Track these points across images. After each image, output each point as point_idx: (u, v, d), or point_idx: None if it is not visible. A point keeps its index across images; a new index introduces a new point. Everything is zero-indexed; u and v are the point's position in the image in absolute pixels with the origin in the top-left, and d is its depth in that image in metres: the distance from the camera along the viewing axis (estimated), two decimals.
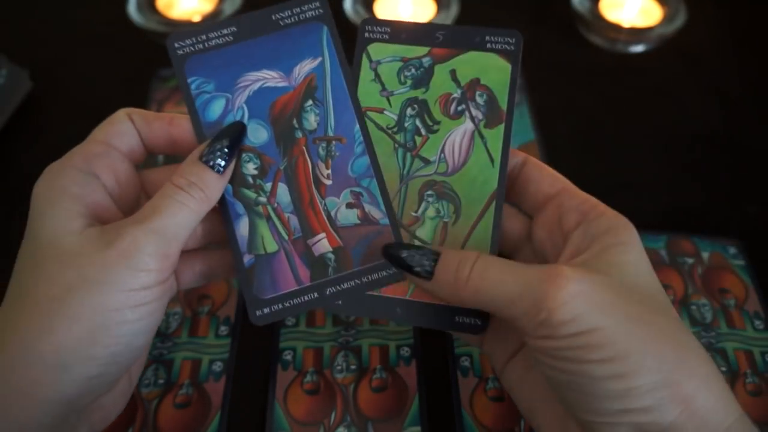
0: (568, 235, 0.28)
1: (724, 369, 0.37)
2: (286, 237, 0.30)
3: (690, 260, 0.42)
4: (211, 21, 0.54)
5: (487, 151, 0.30)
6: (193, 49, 0.30)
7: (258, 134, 0.30)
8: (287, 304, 0.29)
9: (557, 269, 0.24)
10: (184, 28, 0.53)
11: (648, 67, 0.55)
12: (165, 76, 0.53)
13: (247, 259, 0.30)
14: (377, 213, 0.30)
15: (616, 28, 0.55)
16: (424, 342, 0.38)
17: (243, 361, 0.37)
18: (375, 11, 0.56)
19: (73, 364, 0.24)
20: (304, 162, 0.30)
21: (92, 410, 0.27)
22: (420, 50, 0.31)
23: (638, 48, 0.56)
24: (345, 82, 0.30)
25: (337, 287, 0.30)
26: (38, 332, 0.24)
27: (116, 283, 0.25)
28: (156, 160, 0.47)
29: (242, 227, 0.30)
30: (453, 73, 0.31)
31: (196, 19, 0.54)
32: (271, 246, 0.30)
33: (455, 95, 0.31)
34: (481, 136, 0.31)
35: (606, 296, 0.24)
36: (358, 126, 0.30)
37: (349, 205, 0.30)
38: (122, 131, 0.29)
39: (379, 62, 0.31)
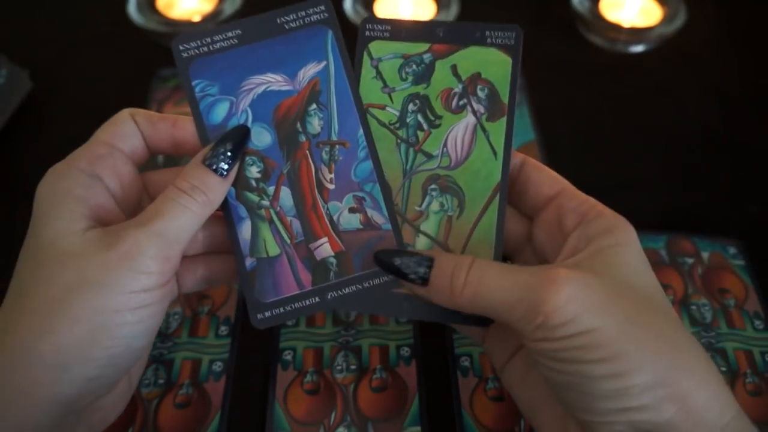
0: (567, 237, 0.28)
1: (724, 369, 0.37)
2: (289, 241, 0.30)
3: (690, 260, 0.42)
4: (216, 23, 0.54)
5: (490, 144, 0.30)
6: (197, 51, 0.30)
7: (261, 137, 0.30)
8: (288, 308, 0.29)
9: (552, 272, 0.25)
10: (184, 28, 0.54)
11: (648, 67, 0.55)
12: (165, 76, 0.53)
13: (249, 262, 0.30)
14: (380, 218, 0.30)
15: (616, 28, 0.55)
16: (424, 342, 0.38)
17: (243, 361, 0.37)
18: (375, 11, 0.56)
19: (72, 365, 0.24)
20: (308, 166, 0.30)
21: (91, 411, 0.27)
22: (420, 47, 0.31)
23: (638, 48, 0.56)
24: (349, 86, 0.30)
25: (339, 292, 0.30)
26: (38, 332, 0.24)
27: (117, 284, 0.25)
28: (156, 160, 0.47)
29: (245, 230, 0.30)
30: (454, 68, 0.31)
31: (196, 19, 0.54)
32: (273, 249, 0.30)
33: (456, 90, 0.31)
34: (484, 130, 0.31)
35: (601, 297, 0.24)
36: (361, 130, 0.30)
37: (351, 210, 0.30)
38: (125, 132, 0.29)
39: (380, 60, 0.31)
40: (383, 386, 0.36)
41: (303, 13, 0.30)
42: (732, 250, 0.43)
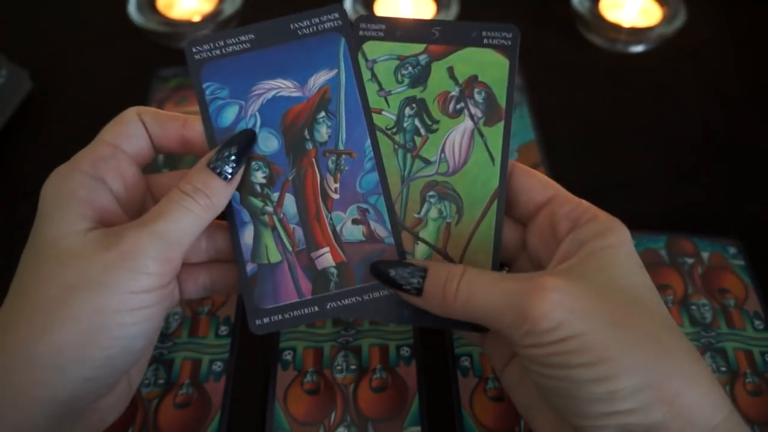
0: (560, 242, 0.28)
1: (724, 369, 0.37)
2: (290, 248, 0.30)
3: (690, 260, 0.42)
4: (216, 24, 0.54)
5: (488, 149, 0.30)
6: (210, 54, 0.30)
7: (269, 143, 0.30)
8: (287, 316, 0.29)
9: (539, 280, 0.25)
10: (184, 28, 0.54)
11: (648, 67, 0.55)
12: (165, 76, 0.53)
13: (249, 267, 0.30)
14: (382, 231, 0.30)
15: (616, 28, 0.55)
16: (424, 342, 0.38)
17: (243, 361, 0.37)
18: (375, 11, 0.56)
19: (68, 365, 0.24)
20: (313, 174, 0.30)
21: (89, 413, 0.27)
22: (416, 47, 0.31)
23: (638, 48, 0.56)
24: (359, 96, 0.30)
25: (338, 302, 0.30)
26: (37, 332, 0.24)
27: (116, 285, 0.25)
28: (156, 159, 0.47)
29: (247, 235, 0.30)
30: (450, 70, 0.31)
31: (196, 19, 0.54)
32: (275, 256, 0.30)
33: (453, 93, 0.31)
34: (481, 135, 0.30)
35: (588, 302, 0.24)
36: (369, 141, 0.30)
37: (355, 221, 0.30)
38: (131, 133, 0.28)
39: (375, 61, 0.31)
40: (383, 386, 0.36)
41: (317, 20, 0.30)
42: (732, 250, 0.43)
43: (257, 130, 0.30)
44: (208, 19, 0.54)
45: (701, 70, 0.55)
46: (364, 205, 0.30)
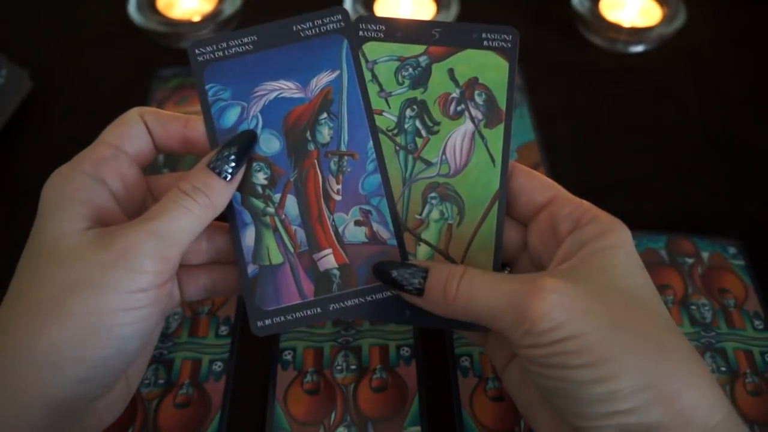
0: (561, 243, 0.28)
1: (724, 369, 0.37)
2: (292, 250, 0.30)
3: (690, 260, 0.42)
4: (216, 24, 0.54)
5: (488, 151, 0.30)
6: (213, 56, 0.30)
7: (270, 144, 0.30)
8: (289, 317, 0.29)
9: (539, 280, 0.25)
10: (184, 28, 0.54)
11: (648, 67, 0.55)
12: (165, 76, 0.53)
13: (251, 269, 0.30)
14: (385, 233, 0.30)
15: (616, 28, 0.55)
16: (424, 342, 0.38)
17: (243, 361, 0.37)
18: (375, 12, 0.56)
19: (65, 365, 0.24)
20: (315, 175, 0.30)
21: (87, 414, 0.27)
22: (416, 49, 0.31)
23: (638, 48, 0.56)
24: (361, 98, 0.30)
25: (341, 304, 0.30)
26: (32, 332, 0.24)
27: (112, 284, 0.25)
28: (156, 161, 0.47)
29: (248, 237, 0.30)
30: (451, 72, 0.31)
31: (196, 19, 0.54)
32: (277, 258, 0.30)
33: (454, 95, 0.31)
34: (482, 137, 0.30)
35: (587, 303, 0.25)
36: (371, 143, 0.30)
37: (357, 223, 0.30)
38: (132, 134, 0.29)
39: (375, 62, 0.31)
40: (383, 386, 0.36)
41: (319, 22, 0.30)
42: (732, 250, 0.43)
43: (259, 131, 0.30)
44: (208, 19, 0.54)
45: (701, 70, 0.55)
46: (367, 207, 0.30)
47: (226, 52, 0.30)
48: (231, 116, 0.30)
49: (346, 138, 0.30)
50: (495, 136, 0.30)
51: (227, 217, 0.30)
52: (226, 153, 0.28)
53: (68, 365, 0.24)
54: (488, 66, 0.31)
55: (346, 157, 0.30)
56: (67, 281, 0.24)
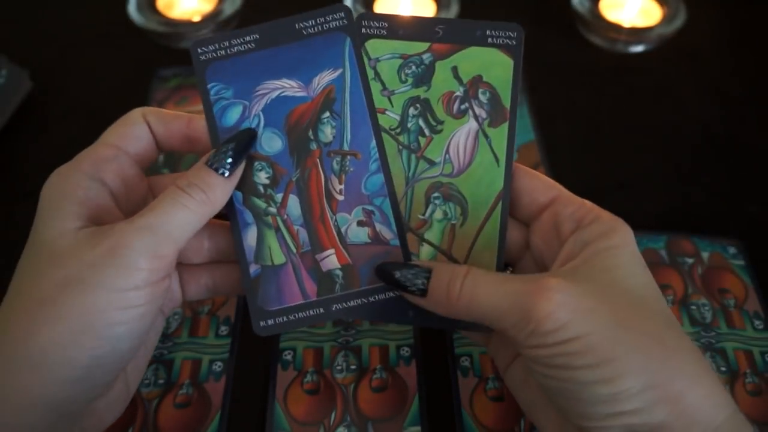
0: (564, 243, 0.28)
1: (723, 369, 0.37)
2: (295, 250, 0.30)
3: (690, 260, 0.42)
4: (216, 24, 0.54)
5: (492, 150, 0.30)
6: (215, 55, 0.30)
7: (272, 143, 0.30)
8: (292, 317, 0.29)
9: (543, 280, 0.25)
10: (184, 28, 0.54)
11: (648, 67, 0.55)
12: (165, 76, 0.53)
13: (253, 269, 0.29)
14: (388, 233, 0.30)
15: (616, 28, 0.55)
16: (424, 342, 0.38)
17: (243, 361, 0.37)
18: (374, 11, 0.56)
19: (56, 366, 0.24)
20: (317, 175, 0.30)
21: (87, 415, 0.27)
22: (420, 46, 0.31)
23: (638, 48, 0.56)
24: (364, 96, 0.30)
25: (344, 304, 0.29)
26: (23, 332, 0.24)
27: (103, 282, 0.24)
28: (156, 160, 0.47)
29: (250, 237, 0.30)
30: (455, 70, 0.30)
31: (196, 19, 0.54)
32: (279, 258, 0.30)
33: (458, 93, 0.30)
34: (486, 136, 0.30)
35: (591, 303, 0.24)
36: (374, 142, 0.30)
37: (360, 223, 0.30)
38: (135, 134, 0.28)
39: (378, 60, 0.30)
40: (383, 386, 0.36)
41: (322, 19, 0.30)
42: (732, 250, 0.43)
43: (261, 130, 0.30)
44: (208, 19, 0.54)
45: (701, 71, 0.55)
46: (370, 207, 0.30)
47: (228, 50, 0.30)
48: (233, 115, 0.30)
49: (349, 137, 0.30)
50: (499, 135, 0.30)
51: (228, 217, 0.30)
52: (224, 149, 0.28)
53: (61, 365, 0.24)
54: (493, 64, 0.30)
55: (348, 157, 0.30)
56: (59, 280, 0.24)
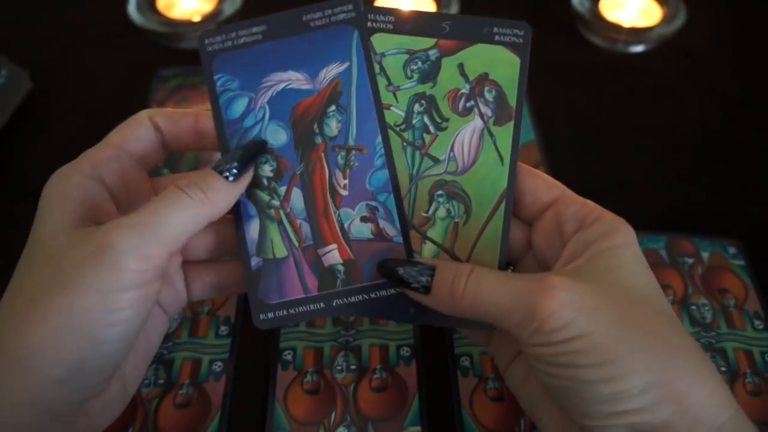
0: (567, 242, 0.28)
1: (723, 369, 0.37)
2: (297, 244, 0.29)
3: (690, 260, 0.42)
4: (216, 24, 0.54)
5: (497, 149, 0.30)
6: (222, 46, 0.30)
7: (277, 136, 0.29)
8: (292, 311, 0.29)
9: (547, 279, 0.25)
10: (184, 28, 0.54)
11: (648, 67, 0.55)
12: (165, 76, 0.53)
13: (254, 261, 0.29)
14: (391, 230, 0.30)
15: (616, 28, 0.55)
16: (424, 342, 0.38)
17: (243, 361, 0.37)
18: None
19: (40, 366, 0.23)
20: (322, 169, 0.30)
21: (80, 417, 0.26)
22: (426, 42, 0.30)
23: (638, 48, 0.56)
24: (371, 91, 0.30)
25: (345, 300, 0.29)
26: (12, 332, 0.24)
27: (88, 283, 0.23)
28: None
29: (252, 229, 0.29)
30: (461, 67, 0.30)
31: (196, 19, 0.54)
32: (281, 251, 0.29)
33: (463, 91, 0.30)
34: (491, 134, 0.30)
35: (595, 302, 0.24)
36: (380, 137, 0.30)
37: (363, 219, 0.30)
38: (139, 136, 0.28)
39: (383, 54, 0.30)
40: (383, 386, 0.36)
41: (330, 12, 0.30)
42: (732, 250, 0.43)
43: (266, 122, 0.29)
44: (208, 19, 0.54)
45: (701, 70, 0.55)
46: (374, 203, 0.30)
47: (235, 42, 0.30)
48: (238, 107, 0.29)
49: (355, 132, 0.30)
50: (504, 134, 0.30)
51: (231, 209, 0.29)
52: (232, 155, 0.28)
53: (47, 366, 0.23)
54: (499, 62, 0.30)
55: (353, 152, 0.30)
56: (46, 280, 0.24)
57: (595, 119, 0.51)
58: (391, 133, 0.30)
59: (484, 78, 0.30)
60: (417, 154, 0.30)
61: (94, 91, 0.52)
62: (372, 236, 0.30)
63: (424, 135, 0.30)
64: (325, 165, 0.30)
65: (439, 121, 0.30)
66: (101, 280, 0.24)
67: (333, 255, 0.30)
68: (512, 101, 0.30)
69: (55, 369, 0.24)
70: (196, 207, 0.26)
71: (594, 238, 0.27)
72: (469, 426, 0.35)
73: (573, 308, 0.24)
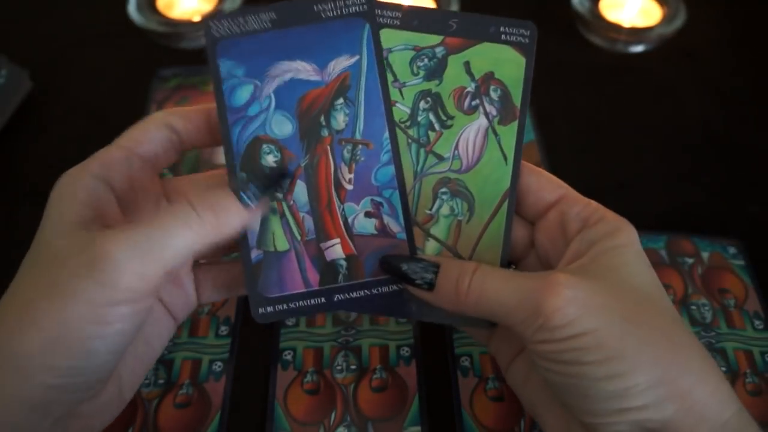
0: (570, 242, 0.28)
1: (724, 369, 0.37)
2: (299, 237, 0.29)
3: (690, 260, 0.42)
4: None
5: (501, 149, 0.30)
6: (228, 32, 0.29)
7: (282, 127, 0.29)
8: (292, 306, 0.29)
9: (552, 276, 0.25)
10: (184, 28, 0.54)
11: (648, 67, 0.55)
12: (165, 76, 0.53)
13: (255, 254, 0.29)
14: (395, 226, 0.29)
15: (616, 28, 0.55)
16: (424, 342, 0.38)
17: (243, 361, 0.37)
18: None
19: (31, 370, 0.23)
20: (327, 162, 0.29)
21: (72, 418, 0.26)
22: (433, 39, 0.30)
23: (638, 48, 0.56)
24: (380, 85, 0.29)
25: (346, 295, 0.29)
26: (8, 333, 0.23)
27: (79, 294, 0.23)
28: None
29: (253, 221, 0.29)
30: (467, 65, 0.30)
31: (197, 19, 0.54)
32: (282, 244, 0.29)
33: (469, 89, 0.30)
34: (495, 134, 0.30)
35: (600, 299, 0.25)
36: (387, 133, 0.29)
37: (367, 214, 0.29)
38: (149, 138, 0.28)
39: (390, 50, 0.30)
40: (383, 386, 0.36)
41: (341, 3, 0.29)
42: (732, 250, 0.43)
43: (271, 111, 0.29)
44: (208, 19, 0.54)
45: (701, 70, 0.55)
46: (379, 199, 0.29)
47: (242, 28, 0.29)
48: (243, 94, 0.29)
49: (362, 126, 0.29)
50: (508, 133, 0.30)
51: None
52: (254, 176, 0.27)
53: (39, 370, 0.23)
54: (505, 61, 0.30)
55: (360, 146, 0.29)
56: (42, 285, 0.24)
57: (595, 119, 0.51)
58: (396, 129, 0.30)
59: (489, 77, 0.30)
60: (422, 151, 0.30)
61: (94, 91, 0.52)
62: (376, 232, 0.29)
63: (429, 132, 0.30)
64: (331, 158, 0.29)
65: (444, 118, 0.30)
66: (92, 293, 0.23)
67: (336, 249, 0.29)
68: (517, 101, 0.30)
69: (47, 374, 0.23)
70: (202, 228, 0.25)
71: (597, 238, 0.27)
72: (469, 426, 0.35)
73: (578, 305, 0.24)
